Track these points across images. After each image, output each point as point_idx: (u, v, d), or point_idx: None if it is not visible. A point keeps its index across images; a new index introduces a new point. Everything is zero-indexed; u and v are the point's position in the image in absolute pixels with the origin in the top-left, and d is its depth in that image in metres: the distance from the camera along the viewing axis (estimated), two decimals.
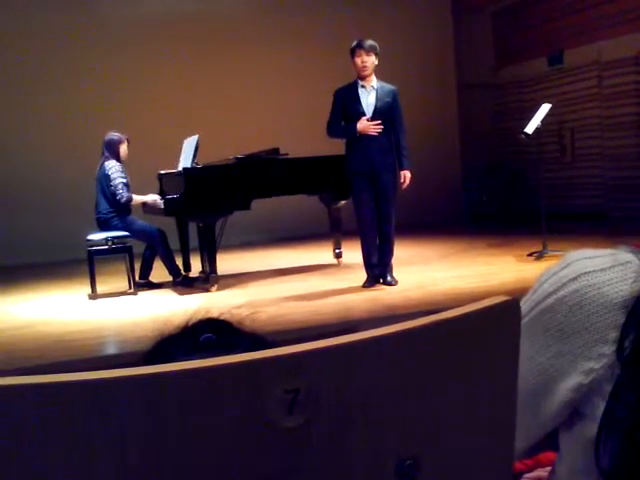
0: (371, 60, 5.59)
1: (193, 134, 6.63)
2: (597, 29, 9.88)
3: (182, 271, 6.73)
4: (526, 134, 6.62)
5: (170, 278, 6.58)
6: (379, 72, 5.74)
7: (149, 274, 6.60)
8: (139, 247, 6.53)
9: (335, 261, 7.21)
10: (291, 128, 9.92)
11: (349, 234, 6.67)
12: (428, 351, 0.55)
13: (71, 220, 8.42)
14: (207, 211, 6.05)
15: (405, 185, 5.72)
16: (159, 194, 6.73)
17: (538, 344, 0.86)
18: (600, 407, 0.82)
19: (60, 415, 0.47)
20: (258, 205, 6.37)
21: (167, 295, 6.21)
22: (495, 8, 11.93)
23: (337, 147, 6.00)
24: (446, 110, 12.07)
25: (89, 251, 6.23)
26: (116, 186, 6.28)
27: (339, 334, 0.53)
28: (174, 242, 6.86)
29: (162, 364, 0.49)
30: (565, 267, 0.86)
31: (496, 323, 0.59)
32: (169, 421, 0.49)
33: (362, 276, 5.81)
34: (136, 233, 6.43)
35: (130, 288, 6.27)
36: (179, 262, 6.72)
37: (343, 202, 6.78)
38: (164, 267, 6.54)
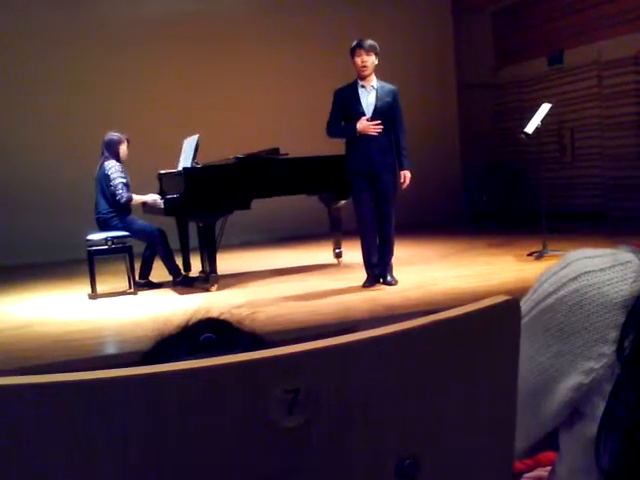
0: (371, 60, 5.59)
1: (193, 134, 6.63)
2: (597, 29, 9.88)
3: (182, 271, 6.73)
4: (526, 134, 6.62)
5: (170, 278, 6.58)
6: (379, 72, 5.74)
7: (149, 274, 6.60)
8: (139, 247, 6.53)
9: (335, 261, 7.21)
10: (291, 128, 9.92)
11: (349, 234, 6.67)
12: (428, 351, 0.55)
13: (71, 220, 8.42)
14: (207, 211, 6.05)
15: (405, 185, 5.72)
16: (159, 194, 6.73)
17: (538, 344, 0.86)
18: (600, 407, 0.82)
19: (60, 415, 0.47)
20: (258, 205, 6.37)
21: (167, 295, 6.21)
22: (495, 8, 11.93)
23: (337, 147, 6.00)
24: (446, 110, 12.07)
25: (89, 251, 6.23)
26: (116, 186, 6.28)
27: (338, 334, 0.53)
28: (174, 242, 6.86)
29: (162, 364, 0.49)
30: (565, 267, 0.86)
31: (496, 323, 0.59)
32: (170, 421, 0.48)
33: (362, 276, 5.81)
34: (136, 233, 6.43)
35: (130, 288, 6.27)
36: (179, 262, 6.72)
37: (343, 202, 6.78)
38: (164, 267, 6.54)
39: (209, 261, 6.09)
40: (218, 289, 6.07)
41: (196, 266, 6.92)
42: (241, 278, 6.76)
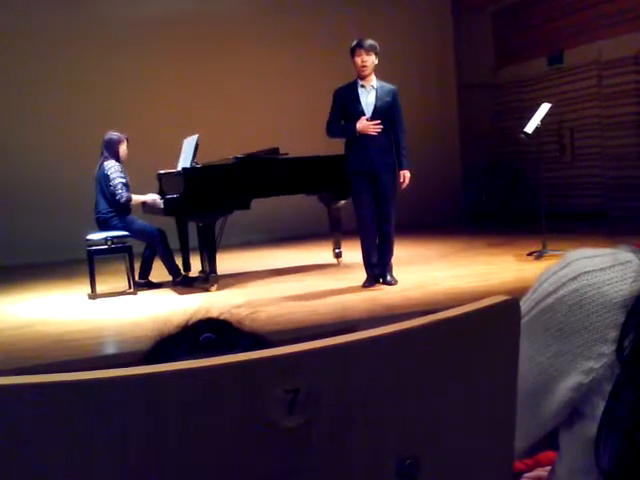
0: (371, 60, 5.59)
1: (193, 134, 6.63)
2: (597, 29, 9.88)
3: (182, 271, 6.73)
4: (526, 134, 6.62)
5: (170, 278, 6.58)
6: (379, 72, 5.74)
7: (149, 274, 6.60)
8: (139, 247, 6.53)
9: (335, 261, 7.21)
10: (291, 128, 9.92)
11: (349, 234, 6.67)
12: (427, 351, 0.55)
13: (71, 220, 8.41)
14: (207, 211, 6.05)
15: (404, 185, 5.72)
16: (159, 194, 6.73)
17: (538, 343, 0.86)
18: (600, 406, 0.82)
19: (59, 415, 0.47)
20: (258, 205, 6.37)
21: (167, 295, 6.21)
22: (495, 8, 11.93)
23: (337, 147, 6.00)
24: (446, 110, 12.07)
25: (89, 251, 6.23)
26: (115, 186, 6.28)
27: (337, 334, 0.53)
28: (174, 242, 6.86)
29: (162, 364, 0.49)
30: (565, 266, 0.86)
31: (496, 323, 0.59)
32: (170, 421, 0.48)
33: (362, 276, 5.81)
34: (136, 233, 6.43)
35: (130, 288, 6.27)
36: (179, 262, 6.72)
37: (343, 202, 6.78)
38: (164, 267, 6.54)
39: (209, 261, 6.09)
40: (218, 289, 6.07)
41: (196, 266, 6.92)
42: (241, 278, 6.76)
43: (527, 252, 6.81)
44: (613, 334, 0.81)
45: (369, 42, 5.59)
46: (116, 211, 6.36)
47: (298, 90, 10.65)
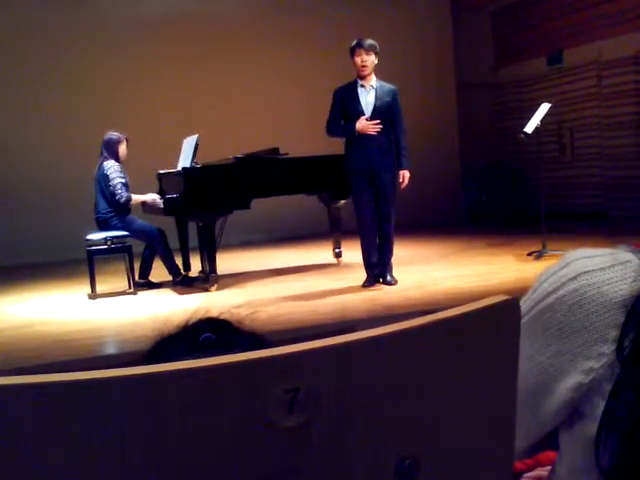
0: (371, 59, 5.59)
1: (193, 134, 6.63)
2: (596, 29, 9.88)
3: (182, 271, 6.73)
4: (525, 134, 6.62)
5: (170, 278, 6.58)
6: (379, 72, 5.74)
7: (149, 274, 6.60)
8: (139, 247, 6.53)
9: (335, 261, 7.21)
10: (291, 128, 9.92)
11: (349, 234, 6.67)
12: (427, 351, 0.55)
13: (71, 220, 8.42)
14: (207, 211, 6.05)
15: (404, 185, 5.72)
16: (159, 194, 6.73)
17: (538, 343, 0.86)
18: (600, 406, 0.81)
19: (58, 415, 0.47)
20: (258, 205, 6.37)
21: (167, 295, 6.21)
22: (494, 8, 11.93)
23: (337, 147, 6.00)
24: (445, 110, 12.07)
25: (88, 251, 6.23)
26: (115, 186, 6.28)
27: (336, 334, 0.53)
28: (174, 241, 6.86)
29: (162, 364, 0.49)
30: (565, 266, 0.86)
31: (496, 323, 0.59)
32: (169, 421, 0.48)
33: (362, 276, 5.81)
34: (135, 233, 6.43)
35: (130, 288, 6.27)
36: (179, 262, 6.72)
37: (343, 202, 6.78)
38: (164, 267, 6.54)
39: (209, 261, 6.09)
40: (218, 289, 6.07)
41: (196, 266, 6.92)
42: (240, 278, 6.76)
43: (527, 252, 6.81)
44: (613, 334, 0.81)
45: (369, 42, 5.59)
46: (116, 211, 6.36)
47: (298, 90, 10.65)
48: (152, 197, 6.55)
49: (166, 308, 5.47)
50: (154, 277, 6.61)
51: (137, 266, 6.49)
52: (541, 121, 6.63)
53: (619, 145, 9.85)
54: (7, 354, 4.43)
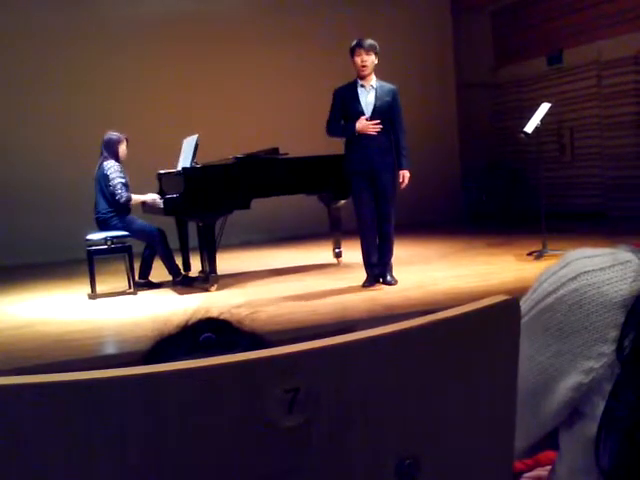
0: (371, 59, 5.59)
1: (193, 134, 6.63)
2: (596, 28, 9.88)
3: (182, 271, 6.72)
4: (525, 133, 6.62)
5: (170, 278, 6.58)
6: (379, 72, 5.74)
7: (149, 274, 6.60)
8: (139, 247, 6.53)
9: (335, 261, 7.21)
10: (291, 128, 9.92)
11: (349, 234, 6.67)
12: (427, 351, 0.55)
13: (71, 220, 8.42)
14: (207, 211, 6.04)
15: (404, 185, 5.71)
16: (159, 194, 6.73)
17: (538, 343, 0.86)
18: (600, 406, 0.81)
19: (58, 415, 0.47)
20: (258, 205, 6.37)
21: (167, 295, 6.21)
22: (494, 7, 11.93)
23: (337, 147, 6.00)
24: (445, 110, 12.07)
25: (88, 251, 6.23)
26: (115, 186, 6.28)
27: (336, 334, 0.53)
28: (174, 241, 6.86)
29: (162, 364, 0.49)
30: (564, 266, 0.86)
31: (496, 323, 0.59)
32: (169, 421, 0.48)
33: (362, 276, 5.81)
34: (135, 233, 6.43)
35: (130, 288, 6.27)
36: (179, 262, 6.72)
37: (343, 202, 6.78)
38: (164, 267, 6.54)
39: (209, 261, 6.09)
40: (218, 289, 6.07)
41: (196, 266, 6.92)
42: (240, 278, 6.76)
43: (527, 252, 6.81)
44: (613, 334, 0.81)
45: (369, 42, 5.59)
46: (116, 211, 6.36)
47: (298, 90, 10.65)
48: (152, 197, 6.55)
49: (166, 308, 5.47)
50: (154, 277, 6.61)
51: (137, 266, 6.49)
52: (541, 121, 6.63)
53: (619, 145, 9.85)
54: (7, 354, 4.43)
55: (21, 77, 9.67)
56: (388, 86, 5.71)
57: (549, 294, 0.86)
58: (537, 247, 6.70)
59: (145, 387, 0.48)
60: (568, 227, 8.45)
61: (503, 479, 0.62)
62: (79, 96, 9.85)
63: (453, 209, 11.68)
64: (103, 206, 6.37)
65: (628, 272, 0.83)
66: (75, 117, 9.75)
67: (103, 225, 6.38)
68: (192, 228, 6.90)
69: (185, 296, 6.00)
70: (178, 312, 0.81)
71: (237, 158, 6.42)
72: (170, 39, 10.24)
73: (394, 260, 5.88)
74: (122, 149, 6.49)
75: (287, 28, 10.72)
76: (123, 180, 6.34)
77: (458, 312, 0.56)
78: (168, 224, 6.85)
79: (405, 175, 5.69)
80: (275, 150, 6.39)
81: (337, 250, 7.16)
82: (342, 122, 5.73)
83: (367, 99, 5.64)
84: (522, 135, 6.67)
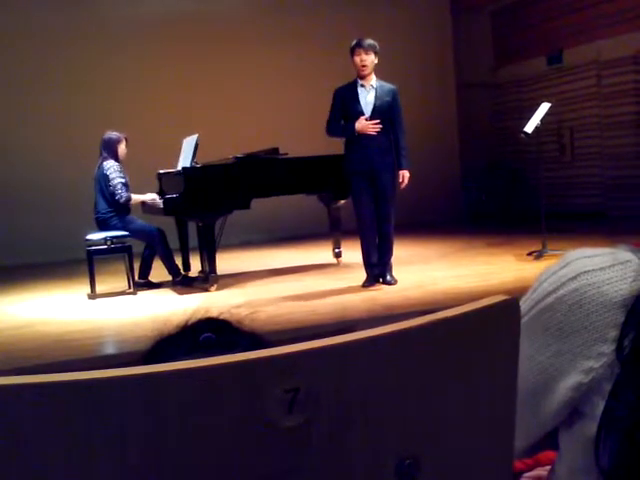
0: (370, 59, 5.59)
1: (193, 134, 6.63)
2: (596, 28, 9.88)
3: (181, 271, 6.72)
4: (525, 133, 6.61)
5: (169, 278, 6.58)
6: (378, 72, 5.74)
7: (148, 274, 6.60)
8: (138, 247, 6.53)
9: (334, 261, 7.21)
10: (291, 128, 9.92)
11: (349, 234, 6.67)
12: (427, 351, 0.55)
13: (71, 220, 8.42)
14: (206, 210, 6.04)
15: (404, 185, 5.71)
16: (158, 193, 6.73)
17: (538, 343, 0.86)
18: (600, 406, 0.81)
19: (58, 415, 0.47)
20: (258, 205, 6.37)
21: (166, 295, 6.21)
22: (494, 7, 11.93)
23: (337, 147, 6.00)
24: (445, 109, 12.07)
25: (88, 251, 6.23)
26: (115, 186, 6.28)
27: (336, 334, 0.53)
28: (173, 241, 6.86)
29: (161, 364, 0.49)
30: (564, 266, 0.86)
31: (496, 322, 0.59)
32: (169, 421, 0.48)
33: (361, 275, 5.81)
34: (135, 233, 6.43)
35: (129, 288, 6.27)
36: (178, 262, 6.72)
37: (342, 202, 6.78)
38: (163, 267, 6.54)
39: (208, 261, 6.09)
40: (217, 289, 6.07)
41: (195, 266, 6.92)
42: (240, 278, 6.76)
43: (527, 252, 6.81)
44: (613, 333, 0.81)
45: (368, 42, 5.59)
46: (115, 211, 6.36)
47: (298, 90, 10.65)
48: (151, 197, 6.56)
49: (166, 308, 5.47)
50: (154, 277, 6.61)
51: (137, 266, 6.49)
52: (541, 121, 6.62)
53: (619, 145, 9.85)
54: (7, 354, 4.43)
55: (21, 77, 9.67)
56: (388, 86, 5.71)
57: (549, 294, 0.86)
58: (537, 247, 6.70)
59: (145, 387, 0.48)
60: (568, 227, 8.45)
61: (503, 479, 0.62)
62: (79, 96, 9.85)
63: (453, 209, 11.69)
64: (103, 206, 6.37)
65: (628, 272, 0.83)
66: (75, 117, 9.75)
67: (103, 225, 6.38)
68: (192, 228, 6.90)
69: (185, 296, 6.00)
70: (178, 312, 0.81)
71: (237, 158, 6.42)
72: (170, 39, 10.24)
73: (394, 260, 5.88)
74: (121, 149, 6.49)
75: (287, 28, 10.73)
76: (123, 180, 6.34)
77: (458, 312, 0.56)
78: (168, 224, 6.85)
79: (405, 175, 5.69)
80: (275, 150, 6.39)
81: (337, 250, 7.16)
82: (342, 122, 5.73)
83: (367, 99, 5.64)
84: (522, 135, 6.67)
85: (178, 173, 6.28)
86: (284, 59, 10.73)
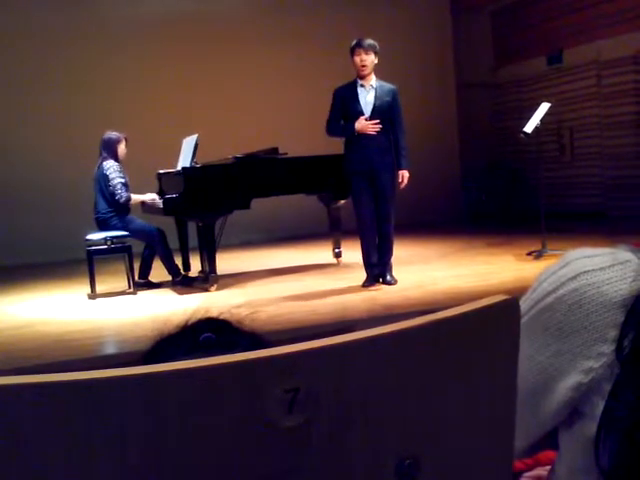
0: (370, 59, 5.59)
1: (193, 134, 6.63)
2: (596, 28, 9.88)
3: (181, 271, 6.72)
4: (525, 133, 6.61)
5: (169, 278, 6.58)
6: (379, 72, 5.74)
7: (148, 274, 6.60)
8: (138, 247, 6.53)
9: (334, 261, 7.21)
10: (291, 128, 9.92)
11: (348, 234, 6.67)
12: (427, 351, 0.55)
13: (71, 220, 8.42)
14: (206, 210, 6.04)
15: (403, 185, 5.71)
16: (158, 193, 6.73)
17: (537, 343, 0.86)
18: (599, 406, 0.81)
19: (58, 415, 0.47)
20: (258, 204, 6.37)
21: (166, 295, 6.21)
22: (494, 7, 11.93)
23: (336, 147, 5.99)
24: (445, 109, 12.07)
25: (88, 251, 6.23)
26: (115, 186, 6.28)
27: (336, 334, 0.53)
28: (173, 241, 6.86)
29: (161, 364, 0.49)
30: (564, 266, 0.86)
31: (495, 322, 0.59)
32: (169, 421, 0.48)
33: (361, 275, 5.81)
34: (135, 233, 6.43)
35: (129, 288, 6.27)
36: (178, 262, 6.72)
37: (342, 201, 6.78)
38: (163, 267, 6.54)
39: (208, 261, 6.09)
40: (217, 289, 6.07)
41: (195, 266, 6.92)
42: (240, 278, 6.75)
43: (527, 252, 6.81)
44: (613, 333, 0.81)
45: (368, 42, 5.59)
46: (115, 211, 6.36)
47: (298, 90, 10.65)
48: (151, 197, 6.56)
49: (166, 308, 5.47)
50: (154, 277, 6.61)
51: (137, 266, 6.49)
52: (541, 121, 6.62)
53: (619, 145, 9.85)
54: (7, 354, 4.43)
55: (21, 77, 9.67)
56: (388, 86, 5.71)
57: (549, 294, 0.86)
58: (537, 247, 6.70)
59: (145, 387, 0.48)
60: (568, 227, 8.45)
61: (503, 479, 0.62)
62: (79, 96, 9.85)
63: (453, 209, 11.69)
64: (103, 206, 6.37)
65: (628, 272, 0.83)
66: (75, 117, 9.75)
67: (103, 225, 6.38)
68: (192, 228, 6.89)
69: (185, 296, 6.00)
70: (178, 312, 0.81)
71: (237, 158, 6.42)
72: (170, 39, 10.24)
73: (394, 260, 5.88)
74: (121, 149, 6.49)
75: (287, 28, 10.73)
76: (123, 180, 6.34)
77: (458, 312, 0.56)
78: (168, 224, 6.85)
79: (404, 175, 5.69)
80: (275, 150, 6.39)
81: (337, 250, 7.16)
82: (342, 122, 5.73)
83: (367, 99, 5.64)
84: (522, 135, 6.67)
85: (178, 173, 6.28)
86: (284, 59, 10.73)
